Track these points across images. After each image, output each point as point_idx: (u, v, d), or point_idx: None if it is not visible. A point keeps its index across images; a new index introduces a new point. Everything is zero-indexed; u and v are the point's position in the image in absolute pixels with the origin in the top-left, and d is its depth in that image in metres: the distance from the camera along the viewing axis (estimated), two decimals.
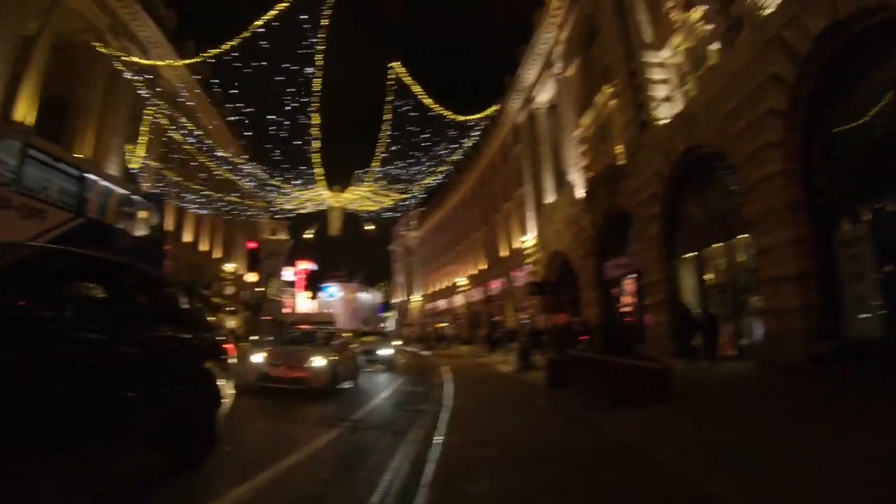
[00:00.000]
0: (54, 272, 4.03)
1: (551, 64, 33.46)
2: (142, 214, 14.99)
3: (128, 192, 14.93)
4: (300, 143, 31.44)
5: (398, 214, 50.78)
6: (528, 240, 38.44)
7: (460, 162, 41.68)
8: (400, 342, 48.94)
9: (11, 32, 20.11)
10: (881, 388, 9.41)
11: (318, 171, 34.74)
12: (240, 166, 37.03)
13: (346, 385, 14.64)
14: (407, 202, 43.03)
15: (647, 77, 20.96)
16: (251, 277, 55.09)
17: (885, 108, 11.23)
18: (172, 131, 31.16)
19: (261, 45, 24.44)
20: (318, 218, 48.96)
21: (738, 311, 16.82)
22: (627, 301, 25.52)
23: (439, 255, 73.23)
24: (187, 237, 40.18)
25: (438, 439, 7.45)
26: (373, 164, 35.70)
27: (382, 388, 15.45)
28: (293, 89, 27.92)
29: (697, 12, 18.07)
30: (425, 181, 38.51)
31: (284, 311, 70.53)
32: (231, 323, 40.98)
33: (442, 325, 69.99)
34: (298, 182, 36.85)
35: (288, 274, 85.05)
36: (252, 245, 56.91)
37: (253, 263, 56.38)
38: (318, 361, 12.77)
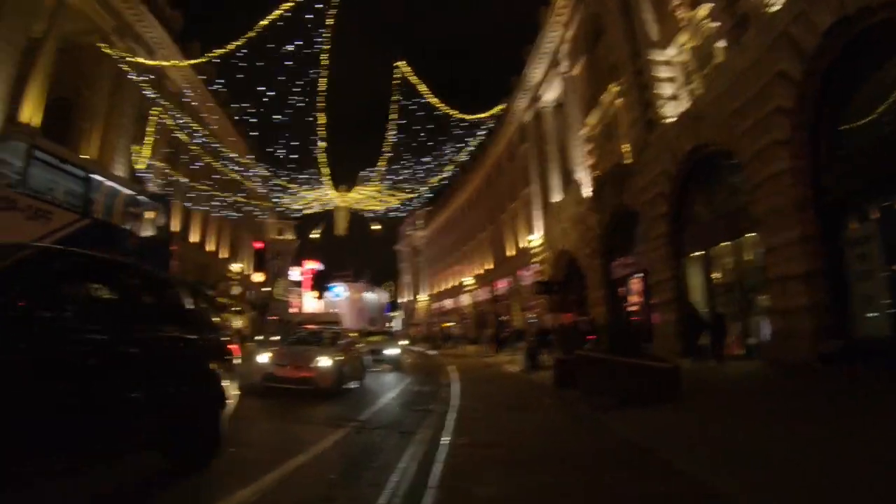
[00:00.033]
0: (54, 272, 4.03)
1: (557, 62, 33.40)
2: (148, 215, 15.05)
3: (134, 193, 14.98)
4: (306, 142, 31.50)
5: (404, 214, 50.81)
6: (535, 239, 38.38)
7: (466, 161, 41.66)
8: (406, 342, 49.04)
9: (17, 35, 20.17)
10: (889, 388, 9.33)
11: (325, 170, 34.79)
12: (246, 166, 37.10)
13: (353, 385, 14.62)
14: (413, 202, 43.05)
15: (654, 75, 20.90)
16: (258, 277, 55.22)
17: (892, 105, 11.14)
18: (178, 132, 31.25)
19: (266, 46, 24.50)
20: (325, 218, 49.12)
21: (746, 310, 16.73)
22: (634, 300, 25.42)
23: (446, 254, 73.27)
24: (194, 237, 40.25)
25: (446, 440, 7.42)
26: (379, 163, 35.75)
27: (389, 388, 15.44)
28: (299, 89, 27.98)
29: (703, 10, 18.01)
30: (432, 181, 38.51)
31: (291, 310, 70.57)
32: (238, 323, 41.06)
33: (448, 324, 70.01)
34: (304, 176, 36.85)
35: (295, 274, 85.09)
36: (258, 245, 56.98)
37: (259, 263, 56.49)
38: (324, 361, 12.75)
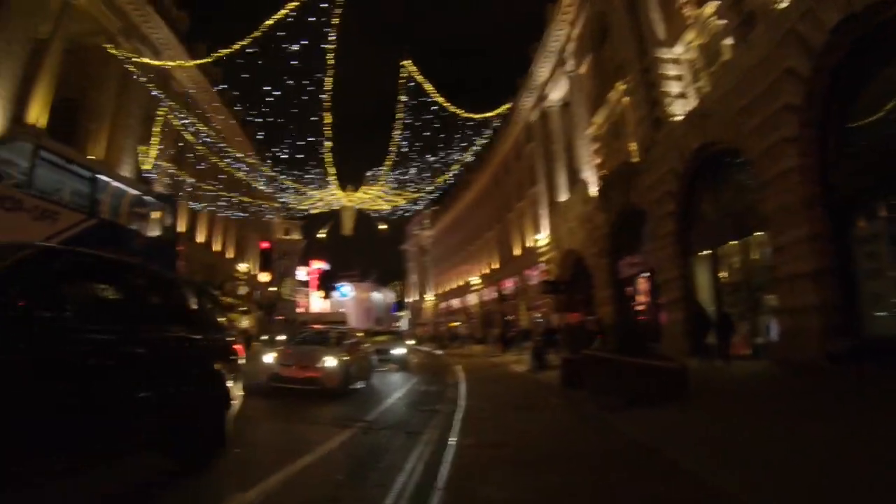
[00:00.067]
0: (55, 272, 4.02)
1: (564, 61, 33.38)
2: (155, 215, 15.05)
3: (140, 193, 14.99)
4: (312, 142, 31.47)
5: (411, 214, 50.80)
6: (542, 238, 38.36)
7: (473, 161, 41.61)
8: (413, 341, 48.97)
9: (24, 36, 20.27)
10: None
11: (331, 170, 34.79)
12: (252, 166, 37.17)
13: (359, 385, 14.59)
14: (419, 201, 42.97)
15: (661, 73, 20.82)
16: (264, 277, 55.40)
17: None
18: (185, 132, 31.33)
19: (272, 46, 24.49)
20: (331, 217, 49.15)
21: (753, 310, 16.66)
22: (641, 299, 25.35)
23: (452, 254, 73.24)
24: (200, 237, 40.44)
25: (452, 440, 7.42)
26: (385, 162, 35.71)
27: (396, 388, 15.39)
28: (305, 89, 27.94)
29: (710, 7, 17.93)
30: (438, 180, 38.43)
31: (298, 310, 70.81)
32: (244, 323, 41.19)
33: (455, 324, 70.03)
34: (310, 176, 36.83)
35: (301, 273, 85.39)
36: (265, 245, 57.19)
37: (266, 263, 56.68)
38: (331, 361, 12.70)
